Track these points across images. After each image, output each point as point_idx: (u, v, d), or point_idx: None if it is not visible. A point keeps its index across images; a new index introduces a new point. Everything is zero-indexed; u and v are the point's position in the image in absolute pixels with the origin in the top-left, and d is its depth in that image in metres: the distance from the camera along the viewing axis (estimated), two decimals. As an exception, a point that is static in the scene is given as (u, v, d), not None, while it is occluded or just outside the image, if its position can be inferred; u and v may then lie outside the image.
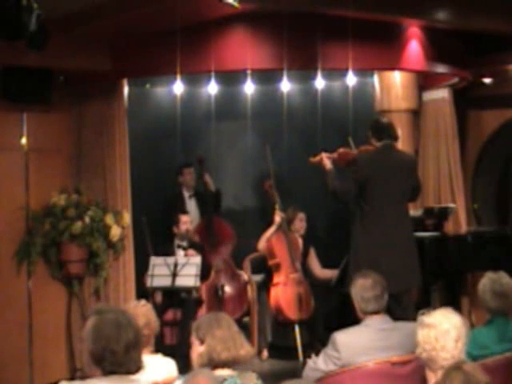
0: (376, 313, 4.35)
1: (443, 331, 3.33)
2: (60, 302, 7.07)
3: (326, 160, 6.47)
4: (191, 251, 7.41)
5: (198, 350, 3.65)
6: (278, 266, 7.48)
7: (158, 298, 7.20)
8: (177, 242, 7.49)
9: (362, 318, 4.39)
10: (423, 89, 8.30)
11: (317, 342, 7.14)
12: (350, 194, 6.27)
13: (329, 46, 6.68)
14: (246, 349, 3.67)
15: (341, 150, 6.57)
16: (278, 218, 7.55)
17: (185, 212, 7.66)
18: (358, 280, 4.43)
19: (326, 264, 7.97)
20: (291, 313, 7.31)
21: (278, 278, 7.44)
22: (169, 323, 7.15)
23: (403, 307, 6.03)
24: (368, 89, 8.37)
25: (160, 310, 6.42)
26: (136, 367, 2.98)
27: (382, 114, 8.03)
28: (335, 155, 6.55)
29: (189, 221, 7.55)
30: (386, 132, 6.40)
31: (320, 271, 7.92)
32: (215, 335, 3.61)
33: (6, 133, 6.82)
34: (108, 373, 2.93)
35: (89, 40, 6.50)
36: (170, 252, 7.29)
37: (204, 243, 7.77)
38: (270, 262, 7.50)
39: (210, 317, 3.78)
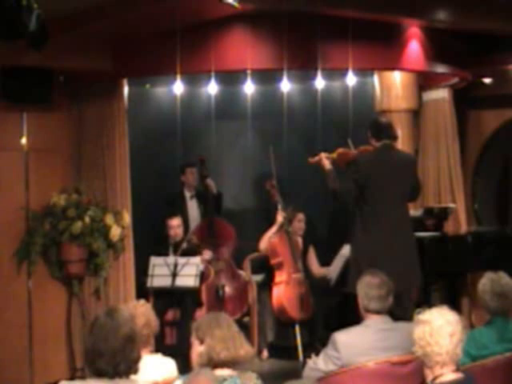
0: (378, 313, 4.34)
1: (437, 326, 3.34)
2: (60, 302, 7.07)
3: (325, 160, 6.46)
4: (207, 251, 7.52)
5: (197, 350, 3.66)
6: (280, 266, 7.47)
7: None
8: (171, 242, 7.47)
9: (364, 316, 4.39)
10: (423, 89, 8.30)
11: (317, 342, 7.15)
12: (351, 195, 6.27)
13: (329, 46, 6.68)
14: (245, 349, 3.68)
15: (340, 150, 6.57)
16: (280, 217, 7.55)
17: (173, 215, 7.45)
18: (365, 277, 4.42)
19: (325, 264, 7.97)
20: (293, 312, 7.31)
21: (280, 278, 7.44)
22: (169, 323, 7.15)
23: (403, 307, 6.02)
24: (368, 89, 8.37)
25: (160, 310, 6.42)
26: (125, 373, 3.04)
27: (383, 114, 8.04)
28: (334, 155, 6.54)
29: (177, 224, 7.38)
30: (385, 132, 6.39)
31: (317, 269, 7.92)
32: (215, 335, 3.61)
33: (6, 133, 6.82)
34: (95, 373, 3.02)
35: (89, 40, 6.50)
36: (167, 253, 7.28)
37: (203, 243, 7.76)
38: (273, 261, 7.49)
39: (210, 317, 3.78)
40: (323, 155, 6.50)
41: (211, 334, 3.62)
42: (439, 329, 3.34)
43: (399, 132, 8.06)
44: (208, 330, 3.64)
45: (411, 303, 6.33)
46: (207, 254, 7.59)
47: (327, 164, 6.44)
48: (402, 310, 5.83)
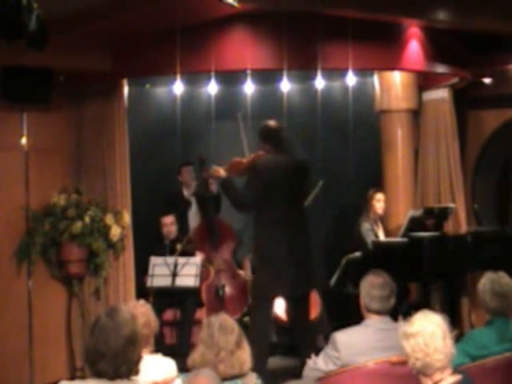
0: (378, 313, 4.34)
1: (430, 334, 3.29)
2: (60, 302, 7.08)
3: (221, 171, 6.47)
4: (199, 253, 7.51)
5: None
6: (280, 265, 7.45)
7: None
8: (166, 241, 7.47)
9: (365, 315, 4.39)
10: (423, 89, 8.30)
11: (317, 341, 7.13)
12: (255, 202, 6.26)
13: (329, 46, 6.68)
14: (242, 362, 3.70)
15: (234, 159, 6.57)
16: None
17: (167, 213, 7.55)
18: (369, 276, 4.42)
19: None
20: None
21: (279, 277, 7.42)
22: (169, 323, 7.16)
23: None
24: (368, 89, 8.37)
25: (159, 310, 6.43)
26: (125, 375, 3.03)
27: (383, 114, 8.07)
28: (226, 166, 6.54)
29: (170, 222, 7.48)
30: (274, 136, 6.41)
31: None
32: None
33: (5, 133, 6.82)
34: (96, 374, 3.01)
35: (89, 40, 6.50)
36: (164, 252, 7.28)
37: (204, 243, 7.76)
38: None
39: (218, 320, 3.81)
40: (217, 168, 6.52)
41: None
42: (432, 336, 3.29)
43: (399, 132, 8.09)
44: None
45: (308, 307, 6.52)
46: (200, 257, 7.60)
47: (223, 174, 6.46)
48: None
